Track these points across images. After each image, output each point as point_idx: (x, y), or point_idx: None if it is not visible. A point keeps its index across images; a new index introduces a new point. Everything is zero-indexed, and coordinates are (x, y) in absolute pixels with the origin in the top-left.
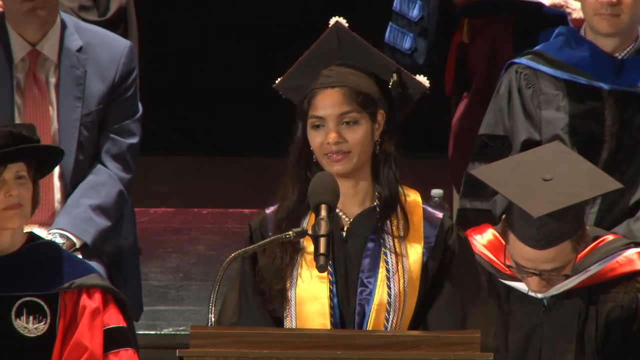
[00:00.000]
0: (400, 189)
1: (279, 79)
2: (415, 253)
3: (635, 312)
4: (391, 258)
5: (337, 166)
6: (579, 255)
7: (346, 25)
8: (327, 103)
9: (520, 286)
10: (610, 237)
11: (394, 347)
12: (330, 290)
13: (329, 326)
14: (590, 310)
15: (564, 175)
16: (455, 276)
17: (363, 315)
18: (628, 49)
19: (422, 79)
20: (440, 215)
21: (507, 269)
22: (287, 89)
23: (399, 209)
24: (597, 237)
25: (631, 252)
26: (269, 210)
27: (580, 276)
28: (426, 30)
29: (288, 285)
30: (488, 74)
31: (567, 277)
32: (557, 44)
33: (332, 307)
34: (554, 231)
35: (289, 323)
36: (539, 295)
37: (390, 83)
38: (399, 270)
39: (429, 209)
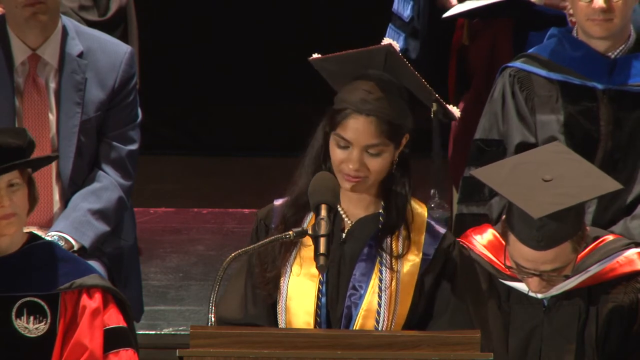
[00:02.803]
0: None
1: (317, 55)
2: (411, 265)
3: (636, 312)
4: (386, 270)
5: (350, 186)
6: (579, 256)
7: (398, 49)
8: (358, 129)
9: (521, 286)
10: (610, 238)
11: (394, 347)
12: (319, 290)
13: (312, 325)
14: (590, 310)
15: (564, 176)
16: (457, 295)
17: (350, 319)
18: (620, 48)
19: (454, 110)
20: (443, 230)
21: (507, 270)
22: (321, 67)
23: (401, 226)
24: (597, 238)
25: (631, 252)
26: (278, 203)
27: (581, 276)
28: (417, 30)
29: (282, 273)
30: (488, 74)
31: (567, 277)
32: (550, 45)
33: (318, 307)
34: (554, 232)
35: (280, 316)
36: (539, 296)
37: (432, 113)
38: (393, 279)
39: (433, 223)
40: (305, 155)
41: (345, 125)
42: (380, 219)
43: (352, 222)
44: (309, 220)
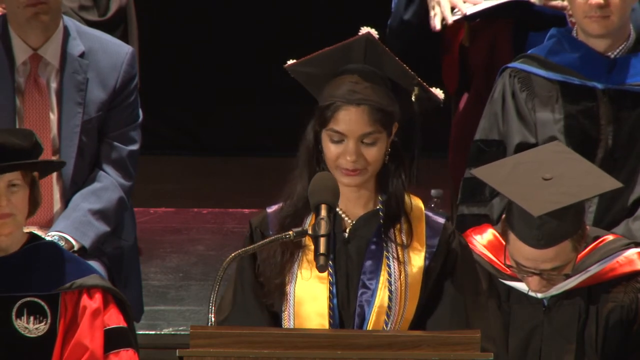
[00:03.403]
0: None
1: (292, 61)
2: (417, 258)
3: (636, 312)
4: (393, 262)
5: (350, 180)
6: (579, 255)
7: (377, 36)
8: (351, 120)
9: (521, 286)
10: (610, 237)
11: (394, 347)
12: (330, 291)
13: (327, 327)
14: (590, 310)
15: (564, 175)
16: (457, 282)
17: (363, 317)
18: (620, 48)
19: (437, 92)
20: (442, 220)
21: (507, 269)
22: (298, 72)
23: (402, 216)
24: (597, 237)
25: (631, 252)
26: (271, 210)
27: (581, 276)
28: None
29: (287, 280)
30: (488, 75)
31: (567, 277)
32: (549, 46)
33: (331, 308)
34: (554, 230)
35: (287, 322)
36: (539, 295)
37: (413, 96)
38: (401, 274)
39: (431, 214)
40: (298, 158)
41: (337, 119)
42: (380, 213)
43: (352, 221)
44: (308, 224)
